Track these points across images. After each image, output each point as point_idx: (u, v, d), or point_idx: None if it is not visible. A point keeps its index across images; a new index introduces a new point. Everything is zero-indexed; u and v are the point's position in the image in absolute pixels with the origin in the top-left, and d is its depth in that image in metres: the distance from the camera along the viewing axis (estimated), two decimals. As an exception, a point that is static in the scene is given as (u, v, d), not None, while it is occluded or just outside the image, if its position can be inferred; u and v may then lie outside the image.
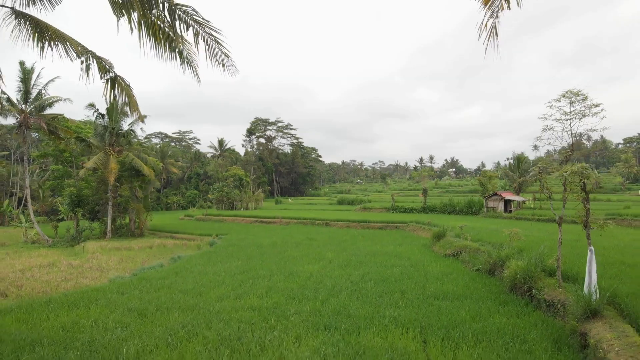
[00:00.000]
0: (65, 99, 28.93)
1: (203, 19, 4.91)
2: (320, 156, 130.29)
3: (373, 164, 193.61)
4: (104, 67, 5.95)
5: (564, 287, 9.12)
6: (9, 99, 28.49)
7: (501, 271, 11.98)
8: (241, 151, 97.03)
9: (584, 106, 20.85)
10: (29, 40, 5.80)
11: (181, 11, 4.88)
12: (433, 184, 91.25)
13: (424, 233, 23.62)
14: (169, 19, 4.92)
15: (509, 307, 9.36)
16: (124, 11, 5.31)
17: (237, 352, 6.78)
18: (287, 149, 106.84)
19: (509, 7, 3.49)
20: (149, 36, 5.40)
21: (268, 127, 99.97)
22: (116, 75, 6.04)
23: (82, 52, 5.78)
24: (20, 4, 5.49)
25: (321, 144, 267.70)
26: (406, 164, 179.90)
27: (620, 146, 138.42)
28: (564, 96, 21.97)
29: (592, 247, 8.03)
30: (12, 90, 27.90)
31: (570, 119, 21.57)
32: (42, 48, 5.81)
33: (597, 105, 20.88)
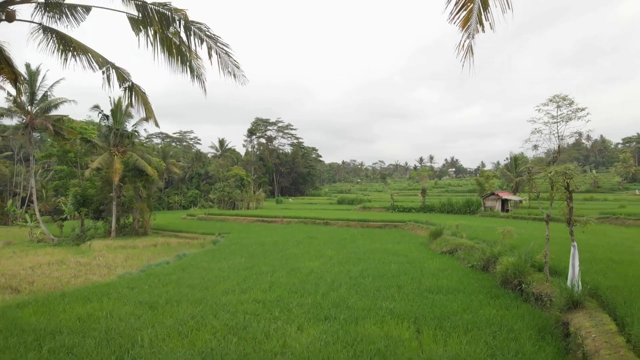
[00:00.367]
0: (70, 101, 29.49)
1: (214, 34, 5.44)
2: (321, 156, 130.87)
3: (373, 163, 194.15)
4: (122, 76, 6.48)
5: (551, 281, 9.65)
6: (15, 101, 29.04)
7: (494, 267, 12.51)
8: (242, 151, 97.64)
9: (570, 110, 21.61)
10: (53, 52, 6.34)
11: (196, 28, 5.40)
12: (433, 184, 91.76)
13: (421, 232, 24.15)
14: (184, 34, 5.45)
15: (499, 300, 9.90)
16: (141, 27, 5.85)
17: (243, 340, 7.32)
18: (288, 149, 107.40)
19: (483, 30, 4.01)
20: (164, 50, 5.94)
21: (269, 127, 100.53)
22: (133, 83, 6.57)
23: (103, 63, 6.30)
24: (47, 20, 6.03)
25: (321, 144, 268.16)
26: (406, 163, 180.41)
27: (619, 146, 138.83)
28: (551, 100, 22.84)
29: (575, 243, 8.55)
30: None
31: (557, 122, 22.42)
32: (66, 59, 6.35)
33: (582, 110, 21.68)
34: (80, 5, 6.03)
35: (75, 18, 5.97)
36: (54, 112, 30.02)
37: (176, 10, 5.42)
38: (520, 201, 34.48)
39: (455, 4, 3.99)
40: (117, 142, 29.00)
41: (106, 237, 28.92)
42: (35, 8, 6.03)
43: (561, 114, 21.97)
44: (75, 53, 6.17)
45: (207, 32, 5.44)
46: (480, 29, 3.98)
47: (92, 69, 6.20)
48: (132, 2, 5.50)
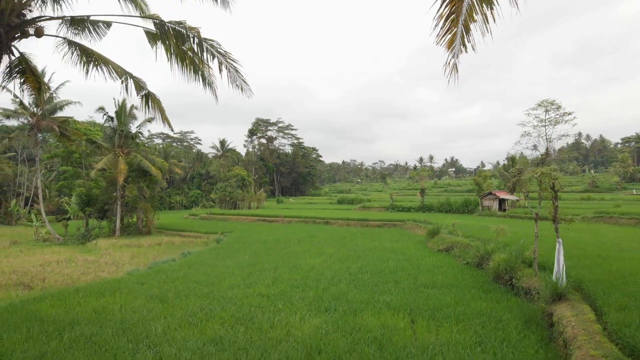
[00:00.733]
0: (75, 102, 30.05)
1: (225, 51, 5.98)
2: (321, 156, 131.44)
3: (373, 163, 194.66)
4: (139, 85, 7.04)
5: (540, 275, 10.19)
6: (21, 103, 29.61)
7: (487, 264, 13.06)
8: (242, 151, 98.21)
9: (558, 114, 22.28)
10: (76, 64, 6.90)
11: (208, 44, 5.95)
12: (432, 184, 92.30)
13: (419, 231, 24.70)
14: (197, 50, 6.00)
15: (491, 294, 10.46)
16: (159, 41, 6.41)
17: (250, 329, 7.89)
18: (288, 149, 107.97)
19: (466, 50, 4.55)
20: (177, 61, 6.50)
21: (269, 128, 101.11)
22: (149, 91, 7.13)
23: (122, 73, 6.86)
24: (71, 35, 6.59)
25: (321, 144, 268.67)
26: (406, 163, 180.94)
27: (619, 146, 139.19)
28: (540, 105, 23.76)
29: (560, 240, 9.11)
30: (25, 93, 28.98)
31: (545, 126, 23.20)
32: (87, 70, 6.92)
33: (569, 114, 22.44)
34: (101, 21, 6.59)
35: (97, 33, 6.51)
36: (59, 114, 30.58)
37: (190, 28, 5.97)
38: (517, 201, 35.03)
39: (441, 28, 4.54)
40: (121, 143, 29.57)
41: (111, 236, 29.49)
42: (60, 24, 6.59)
43: (549, 118, 22.73)
44: (96, 64, 6.73)
45: (218, 49, 5.98)
46: (463, 49, 4.53)
47: (113, 79, 6.77)
48: (151, 20, 6.06)
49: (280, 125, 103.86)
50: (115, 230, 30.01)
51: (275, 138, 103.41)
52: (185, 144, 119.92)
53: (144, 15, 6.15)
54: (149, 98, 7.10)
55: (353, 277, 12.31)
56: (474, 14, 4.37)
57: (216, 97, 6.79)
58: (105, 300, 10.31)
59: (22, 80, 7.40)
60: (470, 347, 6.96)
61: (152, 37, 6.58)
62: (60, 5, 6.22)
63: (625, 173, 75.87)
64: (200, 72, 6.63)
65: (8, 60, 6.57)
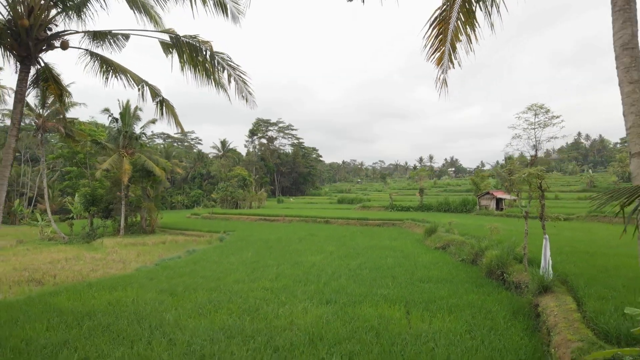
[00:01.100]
0: (80, 104, 30.64)
1: (235, 63, 6.54)
2: (321, 156, 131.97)
3: (373, 163, 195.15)
4: (154, 92, 7.61)
5: (529, 270, 10.78)
6: (27, 104, 30.19)
7: (481, 260, 13.63)
8: (242, 151, 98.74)
9: (547, 117, 22.87)
10: (97, 73, 7.48)
11: (219, 57, 6.51)
12: (432, 183, 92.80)
13: (418, 229, 25.26)
14: (209, 62, 6.57)
15: (483, 288, 11.03)
16: (173, 50, 6.99)
17: (256, 319, 8.47)
18: (288, 149, 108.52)
19: (453, 67, 5.11)
20: (190, 68, 7.08)
21: (270, 128, 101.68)
22: (163, 98, 7.71)
23: (139, 81, 7.43)
24: (93, 47, 7.16)
25: (321, 144, 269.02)
26: (406, 163, 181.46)
27: (618, 145, 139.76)
28: (529, 109, 24.53)
29: (546, 236, 9.69)
30: (31, 95, 29.56)
31: (534, 128, 23.88)
32: (107, 79, 7.49)
33: (557, 117, 23.11)
34: (120, 34, 7.17)
35: (117, 45, 7.08)
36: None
37: (203, 42, 6.53)
38: (514, 200, 35.60)
39: (430, 47, 5.11)
40: (125, 143, 30.15)
41: (115, 235, 30.06)
42: (83, 36, 7.17)
43: (538, 121, 23.36)
44: (115, 73, 7.30)
45: (228, 62, 6.54)
46: (451, 66, 5.09)
47: (131, 86, 7.34)
48: (167, 34, 6.63)
49: (281, 125, 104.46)
50: (120, 229, 30.58)
51: (276, 138, 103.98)
52: (186, 144, 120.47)
53: (162, 30, 6.71)
54: (163, 104, 7.67)
55: (352, 273, 12.88)
56: (459, 35, 4.94)
57: (229, 98, 7.36)
58: (117, 294, 10.88)
59: (45, 87, 7.98)
60: (460, 335, 7.53)
61: (166, 47, 7.15)
62: (84, 20, 6.79)
63: (624, 173, 76.43)
64: (212, 77, 7.20)
65: (34, 69, 7.14)
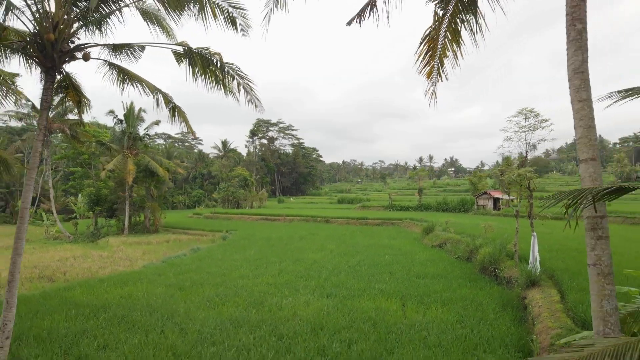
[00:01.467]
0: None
1: (243, 73, 7.11)
2: (321, 156, 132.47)
3: (373, 163, 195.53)
4: (167, 99, 8.17)
5: (520, 266, 11.35)
6: (33, 106, 30.77)
7: (475, 257, 14.20)
8: (243, 151, 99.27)
9: (536, 121, 23.57)
10: (114, 82, 8.06)
11: (229, 67, 7.07)
12: (431, 184, 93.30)
13: (416, 228, 25.82)
14: (219, 72, 7.15)
15: (476, 283, 11.60)
16: (186, 60, 7.57)
17: (261, 311, 9.04)
18: (289, 150, 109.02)
19: (441, 80, 5.65)
20: (201, 75, 7.66)
21: (270, 128, 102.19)
22: (175, 104, 8.28)
23: (153, 89, 7.99)
24: (111, 57, 7.73)
25: (321, 144, 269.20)
26: (406, 163, 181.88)
27: (617, 146, 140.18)
28: (520, 113, 25.50)
29: (534, 233, 10.26)
30: (36, 97, 30.15)
31: (525, 131, 24.69)
32: (123, 87, 8.07)
33: (546, 120, 23.87)
34: (137, 45, 7.74)
35: (134, 56, 7.64)
36: (69, 116, 31.69)
37: (214, 53, 7.09)
38: (511, 200, 36.21)
39: (421, 61, 5.68)
40: (129, 144, 30.73)
41: (119, 235, 30.63)
42: (102, 48, 7.74)
43: (528, 124, 24.10)
44: (132, 82, 7.87)
45: (237, 72, 7.10)
46: (439, 79, 5.66)
47: (146, 94, 7.91)
48: (181, 46, 7.20)
49: (281, 125, 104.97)
50: (124, 228, 31.14)
51: (276, 138, 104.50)
52: (186, 144, 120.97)
53: (176, 43, 7.27)
54: (175, 110, 8.23)
55: (352, 269, 13.46)
56: (447, 51, 5.52)
57: (238, 101, 7.93)
58: (128, 288, 11.46)
59: (64, 95, 8.56)
60: (452, 324, 8.11)
61: (179, 57, 7.71)
62: (103, 33, 7.36)
63: (622, 173, 77.04)
64: (221, 84, 7.76)
65: (57, 79, 7.72)
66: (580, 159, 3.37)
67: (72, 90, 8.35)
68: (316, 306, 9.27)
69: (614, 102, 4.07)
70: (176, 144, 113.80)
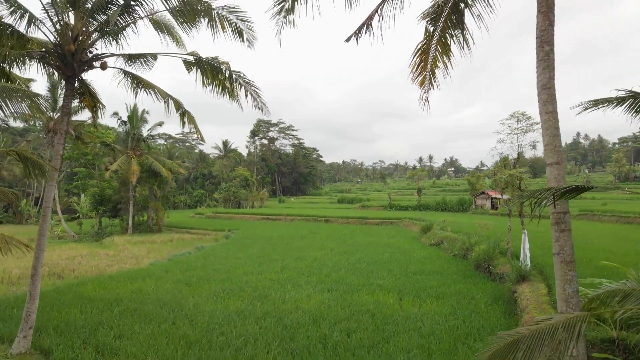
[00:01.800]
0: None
1: (250, 80, 7.65)
2: (321, 156, 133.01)
3: (373, 163, 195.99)
4: (178, 104, 8.70)
5: (511, 262, 11.87)
6: (38, 107, 31.27)
7: (471, 255, 14.72)
8: (243, 152, 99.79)
9: (528, 124, 24.17)
10: (128, 89, 8.59)
11: (237, 75, 7.58)
12: (431, 183, 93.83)
13: (415, 228, 26.33)
14: (227, 80, 7.68)
15: (470, 279, 12.12)
16: (195, 68, 8.10)
17: (265, 304, 9.57)
18: (289, 150, 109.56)
19: (433, 88, 6.19)
20: (210, 83, 8.19)
21: (270, 129, 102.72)
22: (185, 109, 8.81)
23: (164, 95, 8.52)
24: (126, 66, 8.26)
25: (321, 144, 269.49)
26: (406, 163, 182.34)
27: (616, 145, 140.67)
28: (512, 116, 26.39)
29: (525, 231, 10.78)
30: (41, 98, 30.66)
31: (517, 134, 25.38)
32: (137, 93, 8.61)
33: (537, 123, 24.54)
34: (150, 54, 8.27)
35: (147, 64, 8.16)
36: (74, 118, 32.22)
37: (223, 62, 7.61)
38: (509, 199, 36.77)
39: (414, 72, 6.20)
40: (133, 145, 31.26)
41: (123, 234, 31.13)
42: (117, 58, 8.28)
43: (520, 127, 24.73)
44: (145, 89, 8.40)
45: (245, 79, 7.63)
46: (431, 87, 6.19)
47: (158, 100, 8.44)
48: (192, 56, 7.73)
49: (282, 126, 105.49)
50: (128, 228, 31.65)
51: (277, 139, 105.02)
52: (187, 144, 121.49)
53: (187, 53, 7.80)
54: (185, 115, 8.76)
55: (351, 266, 13.99)
56: (438, 62, 6.05)
57: (241, 107, 8.46)
58: (138, 284, 11.99)
59: (80, 100, 9.08)
60: (445, 316, 8.63)
61: (189, 65, 8.24)
62: (120, 44, 7.89)
63: (620, 172, 77.62)
64: (227, 91, 8.30)
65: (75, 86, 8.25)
66: (546, 162, 3.88)
67: (88, 96, 8.88)
68: (317, 300, 9.79)
69: (584, 109, 4.58)
70: (177, 144, 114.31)
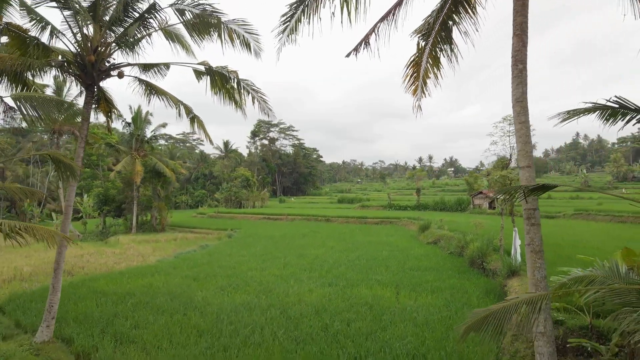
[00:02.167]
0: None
1: (257, 88, 8.25)
2: (321, 156, 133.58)
3: (373, 163, 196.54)
4: (188, 110, 9.29)
5: (503, 258, 12.45)
6: (74, 114, 31.92)
7: (466, 252, 15.30)
8: (244, 152, 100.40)
9: None
10: (142, 95, 9.18)
11: (245, 83, 8.17)
12: (430, 183, 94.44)
13: (413, 227, 26.90)
14: (235, 89, 8.28)
15: (465, 274, 12.71)
16: (204, 76, 8.69)
17: (270, 297, 10.16)
18: (289, 150, 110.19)
19: (425, 97, 6.78)
20: (218, 92, 8.79)
21: (271, 129, 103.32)
22: (194, 114, 9.40)
23: (176, 101, 9.11)
24: (140, 74, 8.86)
25: (321, 144, 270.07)
26: (406, 163, 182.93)
27: (616, 145, 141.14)
28: (504, 119, 27.56)
29: (516, 228, 11.36)
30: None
31: (509, 136, 26.22)
32: (150, 100, 9.20)
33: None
34: (163, 64, 8.87)
35: (160, 73, 8.75)
36: (79, 119, 32.81)
37: (231, 71, 8.20)
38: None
39: (407, 82, 6.79)
40: (137, 146, 31.86)
41: (127, 233, 31.72)
42: (132, 67, 8.87)
43: (512, 130, 25.39)
44: (158, 95, 9.00)
45: (252, 87, 8.23)
46: (422, 96, 6.78)
47: (170, 106, 9.04)
48: (203, 65, 8.33)
49: (282, 126, 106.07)
50: (132, 227, 32.24)
51: (277, 139, 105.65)
52: (187, 144, 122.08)
53: (198, 63, 8.39)
54: (194, 120, 9.35)
55: (351, 263, 14.57)
56: (429, 74, 6.64)
57: (245, 115, 9.06)
58: (148, 279, 12.58)
59: (97, 106, 9.67)
60: (439, 308, 9.22)
61: (198, 74, 8.84)
62: (135, 54, 8.48)
63: (618, 172, 78.28)
64: (233, 99, 8.89)
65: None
66: (519, 166, 4.46)
67: (104, 102, 9.47)
68: (319, 293, 10.39)
69: (560, 121, 5.17)
70: (177, 145, 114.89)
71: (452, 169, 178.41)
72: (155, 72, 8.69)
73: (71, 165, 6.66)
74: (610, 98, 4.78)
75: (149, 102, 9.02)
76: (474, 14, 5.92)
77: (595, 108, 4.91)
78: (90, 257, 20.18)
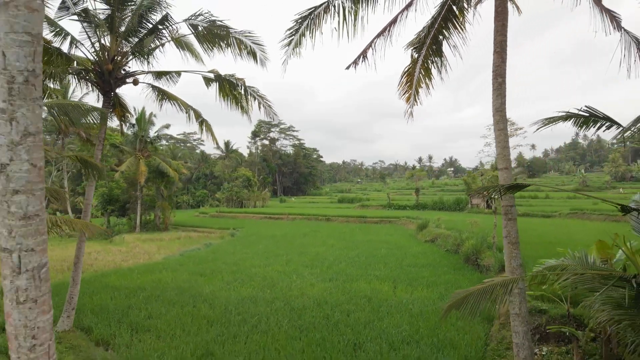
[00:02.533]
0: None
1: (262, 94, 8.87)
2: (322, 156, 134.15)
3: (373, 163, 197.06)
4: (197, 114, 9.88)
5: (495, 255, 13.05)
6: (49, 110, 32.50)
7: (461, 249, 15.89)
8: (244, 152, 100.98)
9: (512, 129, 25.26)
10: (154, 100, 9.78)
11: (251, 90, 8.79)
12: (430, 183, 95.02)
13: (412, 226, 27.48)
14: (243, 94, 8.88)
15: (460, 271, 13.30)
16: (213, 83, 9.29)
17: (274, 291, 10.75)
18: (290, 150, 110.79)
19: (417, 104, 7.40)
20: (225, 98, 9.39)
21: (271, 130, 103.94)
22: (203, 118, 10.00)
23: (186, 106, 9.71)
24: (154, 81, 9.46)
25: (321, 144, 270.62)
26: (406, 163, 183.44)
27: (615, 146, 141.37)
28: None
29: (507, 226, 11.95)
30: (53, 102, 31.86)
31: None
32: (162, 105, 9.80)
33: (520, 129, 26.09)
34: (175, 72, 9.47)
35: (172, 80, 9.35)
36: (83, 120, 33.41)
37: (238, 79, 8.80)
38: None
39: (401, 90, 7.40)
40: (141, 147, 32.47)
41: (131, 232, 32.33)
42: (145, 75, 9.47)
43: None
44: (170, 100, 9.60)
45: (258, 93, 8.84)
46: (415, 103, 7.38)
47: (181, 111, 9.65)
48: (212, 73, 8.93)
49: (282, 126, 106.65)
50: (135, 226, 32.86)
51: (277, 139, 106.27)
52: (188, 144, 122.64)
53: (208, 71, 8.99)
54: (203, 123, 9.96)
55: (351, 260, 15.17)
56: (421, 83, 7.23)
57: (250, 120, 9.67)
58: (156, 275, 13.18)
59: (112, 111, 10.27)
60: (433, 300, 9.81)
61: (207, 81, 9.44)
62: (150, 62, 9.09)
63: (617, 172, 78.92)
64: (240, 104, 9.50)
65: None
66: (498, 168, 5.05)
67: (118, 107, 10.07)
68: (320, 287, 10.99)
69: (538, 128, 5.76)
70: (178, 145, 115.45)
71: (452, 169, 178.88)
72: (167, 79, 9.28)
73: (97, 165, 7.26)
74: (581, 108, 5.37)
75: (160, 107, 9.61)
76: (462, 29, 6.52)
77: (568, 116, 5.51)
78: (98, 255, 20.77)
